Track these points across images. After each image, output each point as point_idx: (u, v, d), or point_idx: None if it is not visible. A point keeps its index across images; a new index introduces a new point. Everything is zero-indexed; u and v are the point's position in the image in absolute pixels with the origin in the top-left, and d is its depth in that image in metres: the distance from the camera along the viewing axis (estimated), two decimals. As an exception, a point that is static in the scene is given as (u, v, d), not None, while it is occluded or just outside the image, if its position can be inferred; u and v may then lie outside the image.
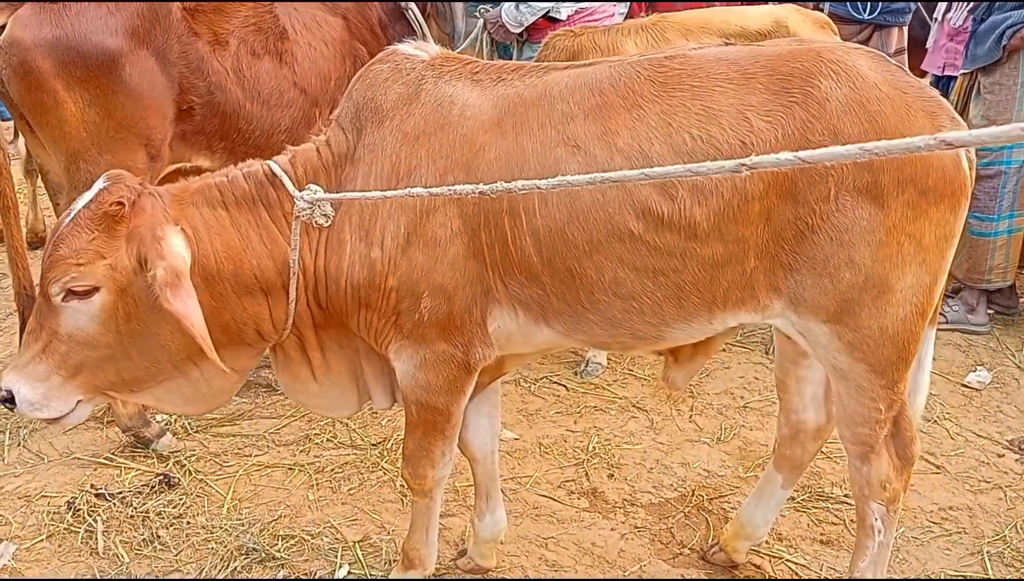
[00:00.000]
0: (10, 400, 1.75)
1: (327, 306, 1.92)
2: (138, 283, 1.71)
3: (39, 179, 3.45)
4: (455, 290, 1.84)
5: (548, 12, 3.41)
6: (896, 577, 2.40)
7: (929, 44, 4.08)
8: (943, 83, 3.96)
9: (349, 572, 2.41)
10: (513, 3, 3.44)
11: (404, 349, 1.94)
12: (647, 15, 3.56)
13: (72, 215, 1.72)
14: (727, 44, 1.88)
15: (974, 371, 3.43)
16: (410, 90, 1.83)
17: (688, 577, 2.41)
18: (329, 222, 1.80)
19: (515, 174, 1.76)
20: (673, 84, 1.72)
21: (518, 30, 3.51)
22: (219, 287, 1.81)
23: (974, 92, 3.65)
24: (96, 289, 1.70)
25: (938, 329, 3.63)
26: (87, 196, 1.74)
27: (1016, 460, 2.93)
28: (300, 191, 1.79)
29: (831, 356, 1.85)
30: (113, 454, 3.01)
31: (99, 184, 1.76)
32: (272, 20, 2.81)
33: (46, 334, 1.74)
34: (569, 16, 3.41)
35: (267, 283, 1.86)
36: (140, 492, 2.76)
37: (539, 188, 1.18)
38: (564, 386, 3.41)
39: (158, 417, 3.18)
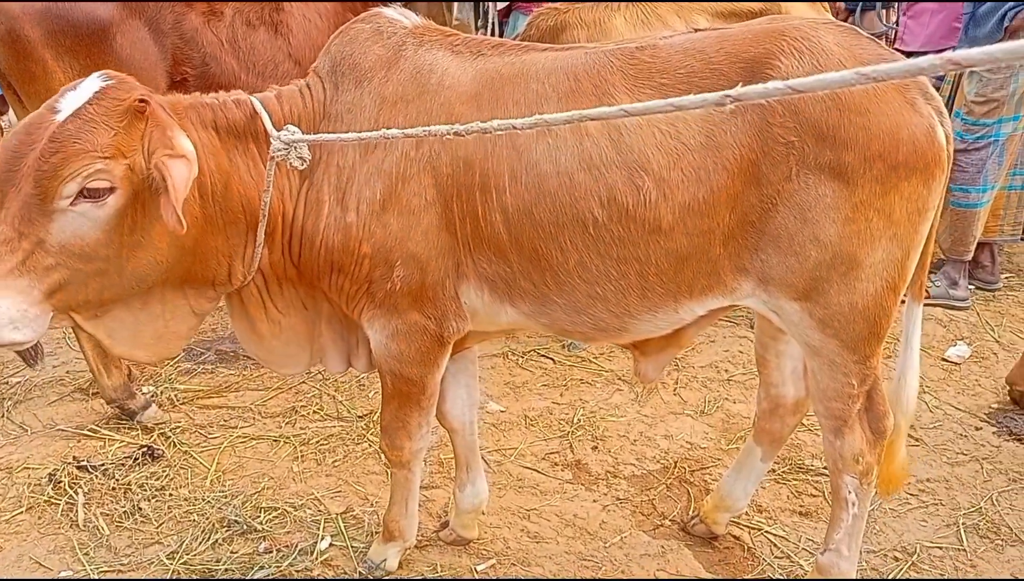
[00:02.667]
0: None
1: (300, 264, 1.90)
2: (146, 189, 1.60)
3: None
4: (428, 260, 1.84)
5: None
6: (873, 549, 2.43)
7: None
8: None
9: (331, 544, 2.43)
10: None
11: (376, 318, 1.94)
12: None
13: (72, 111, 1.55)
14: (696, 31, 1.85)
15: (954, 346, 3.46)
16: (390, 54, 1.81)
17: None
18: (305, 165, 1.75)
19: (487, 148, 1.76)
20: (643, 79, 1.71)
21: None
22: (210, 209, 1.75)
23: (962, 76, 3.63)
24: (112, 190, 1.56)
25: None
26: (83, 92, 1.59)
27: (993, 433, 2.96)
28: (279, 131, 1.74)
29: (803, 333, 1.85)
30: (97, 426, 3.01)
31: (96, 81, 1.61)
32: None
33: (28, 244, 1.54)
34: None
35: (251, 216, 1.80)
36: (123, 464, 2.77)
37: (515, 128, 1.16)
38: (551, 359, 3.42)
39: (145, 388, 3.18)
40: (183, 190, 1.54)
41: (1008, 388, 3.10)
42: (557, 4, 3.07)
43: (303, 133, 1.75)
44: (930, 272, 3.73)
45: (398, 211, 1.80)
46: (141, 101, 1.60)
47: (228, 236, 1.81)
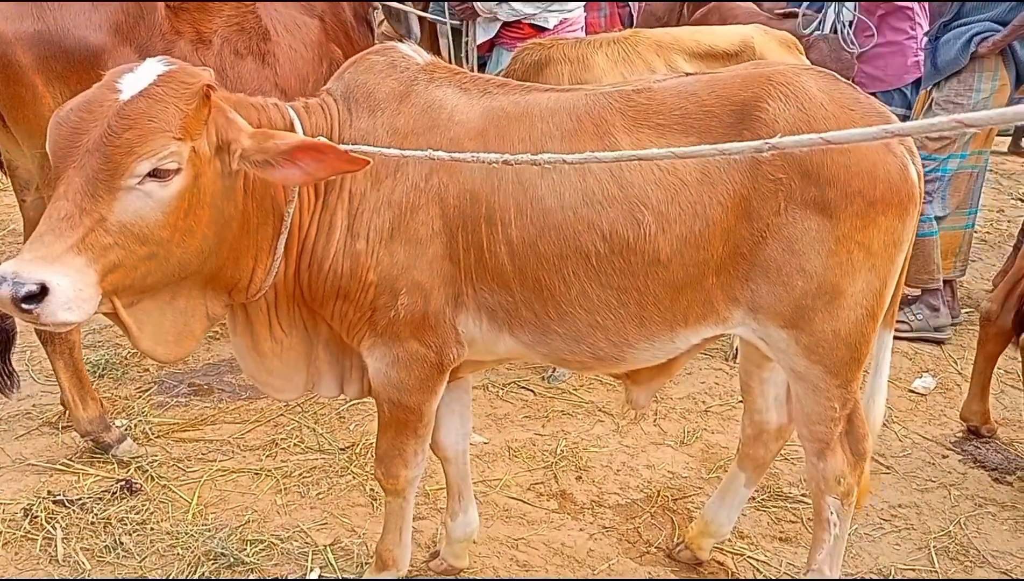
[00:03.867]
0: (36, 297, 1.44)
1: (305, 286, 1.91)
2: (208, 173, 1.62)
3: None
4: (432, 289, 1.88)
5: (533, 20, 3.43)
6: (850, 572, 2.50)
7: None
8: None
9: (320, 576, 2.40)
10: (496, 3, 3.42)
11: (377, 346, 1.96)
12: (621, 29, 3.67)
13: (139, 90, 1.55)
14: (687, 75, 1.97)
15: (920, 378, 3.61)
16: (402, 88, 1.87)
17: (657, 578, 2.47)
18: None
19: (494, 182, 1.82)
20: (641, 119, 1.81)
21: (487, 16, 3.48)
22: (249, 206, 1.75)
23: (925, 108, 3.85)
24: (178, 171, 1.56)
25: (903, 338, 3.82)
26: (144, 74, 1.59)
27: (959, 461, 3.09)
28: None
29: (790, 359, 1.94)
30: (70, 460, 2.93)
31: (157, 64, 1.62)
32: (255, 21, 2.81)
33: (89, 221, 1.50)
34: (556, 26, 3.44)
35: (277, 223, 1.80)
36: (101, 498, 2.70)
37: (565, 162, 1.23)
38: (532, 391, 3.46)
39: (117, 422, 3.11)
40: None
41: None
42: (541, 40, 3.17)
43: None
44: (909, 305, 3.91)
45: (405, 240, 1.84)
46: (209, 86, 1.62)
47: (258, 238, 1.81)
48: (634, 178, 1.76)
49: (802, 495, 2.86)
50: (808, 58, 3.23)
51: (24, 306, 1.43)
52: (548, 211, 1.78)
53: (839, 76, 1.95)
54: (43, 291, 1.45)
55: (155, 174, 1.54)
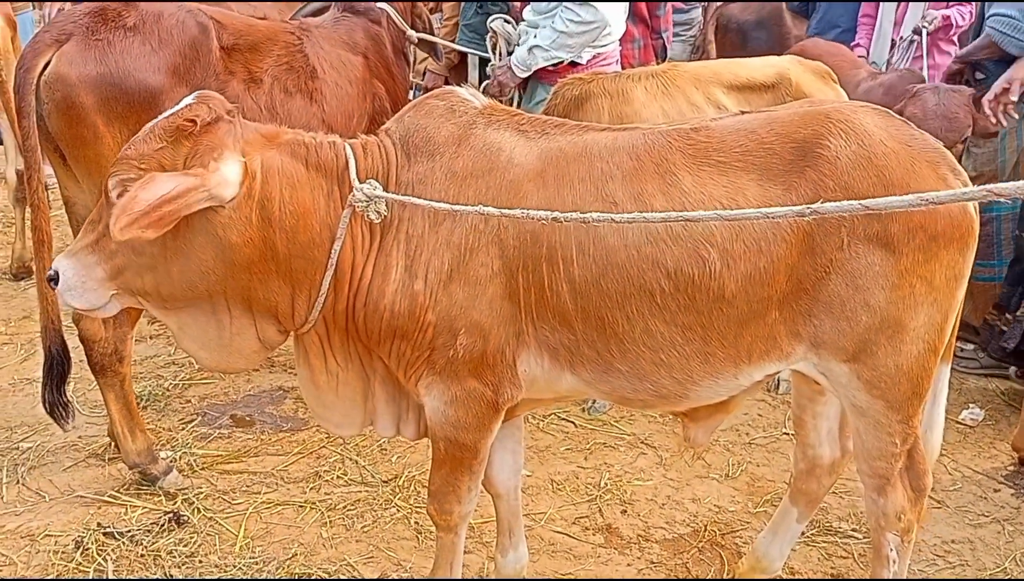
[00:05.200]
0: (54, 280, 1.82)
1: (361, 325, 1.94)
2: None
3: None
4: (491, 329, 1.89)
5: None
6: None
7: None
8: None
9: (370, 610, 2.39)
10: (526, 49, 3.47)
11: (435, 385, 1.97)
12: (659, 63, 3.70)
13: (152, 123, 1.80)
14: (743, 113, 1.99)
15: (967, 408, 3.55)
16: (461, 131, 1.89)
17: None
18: (379, 219, 1.82)
19: (555, 223, 1.83)
20: (701, 157, 1.82)
21: (525, 74, 3.56)
22: (272, 236, 1.82)
23: (966, 147, 3.81)
24: None
25: (972, 373, 3.75)
26: (174, 108, 1.81)
27: (1012, 495, 3.03)
28: (362, 182, 1.82)
29: (851, 394, 1.93)
30: (117, 492, 2.96)
31: (187, 99, 1.82)
32: (303, 60, 2.89)
33: (101, 228, 1.78)
34: (589, 60, 3.47)
35: (321, 258, 1.86)
36: (149, 530, 2.72)
37: (614, 221, 1.25)
38: (572, 423, 3.45)
39: (162, 453, 3.14)
40: (144, 202, 1.66)
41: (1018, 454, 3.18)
42: (582, 75, 3.20)
43: (383, 189, 1.82)
44: (967, 340, 3.83)
45: (464, 281, 1.85)
46: (189, 121, 1.75)
47: (292, 270, 1.86)
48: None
49: (852, 530, 2.81)
50: (905, 112, 3.09)
51: (51, 285, 1.82)
52: (611, 249, 1.79)
53: (892, 112, 1.96)
54: (58, 276, 1.81)
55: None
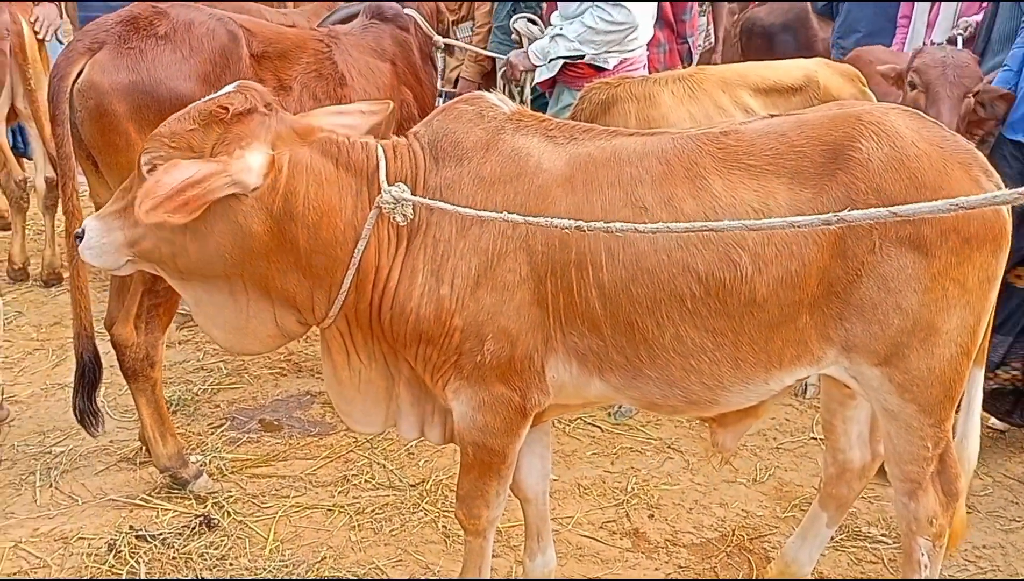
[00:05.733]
0: (81, 237, 1.91)
1: (387, 327, 1.95)
2: None
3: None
4: (519, 335, 1.89)
5: (594, 60, 3.47)
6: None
7: None
8: None
9: (400, 613, 2.41)
10: (548, 38, 3.44)
11: (463, 390, 1.97)
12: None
13: (191, 105, 1.86)
14: (772, 116, 1.98)
15: (997, 412, 3.50)
16: (489, 137, 1.90)
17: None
18: (405, 221, 1.84)
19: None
20: (732, 161, 1.81)
21: (540, 62, 3.50)
22: (293, 229, 1.85)
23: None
24: None
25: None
26: (213, 95, 1.87)
27: (1045, 500, 2.99)
28: (391, 185, 1.84)
29: (882, 398, 1.92)
30: (148, 495, 3.00)
31: (228, 88, 1.88)
32: (332, 67, 2.92)
33: (130, 198, 1.83)
34: (616, 65, 3.48)
35: (343, 256, 1.88)
36: (181, 533, 2.76)
37: (638, 231, 1.25)
38: (598, 427, 3.45)
39: (192, 457, 3.18)
40: (167, 186, 1.70)
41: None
42: (608, 79, 3.20)
43: (410, 192, 1.84)
44: None
45: (492, 286, 1.85)
46: (221, 108, 1.79)
47: (312, 265, 1.89)
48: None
49: (882, 535, 2.79)
50: (913, 66, 3.00)
51: (77, 242, 1.93)
52: (641, 254, 1.79)
53: (923, 114, 1.95)
54: (83, 234, 1.90)
55: (155, 170, 1.78)
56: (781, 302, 1.78)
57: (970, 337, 1.87)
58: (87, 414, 2.78)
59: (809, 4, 5.43)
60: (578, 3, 3.39)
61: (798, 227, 1.14)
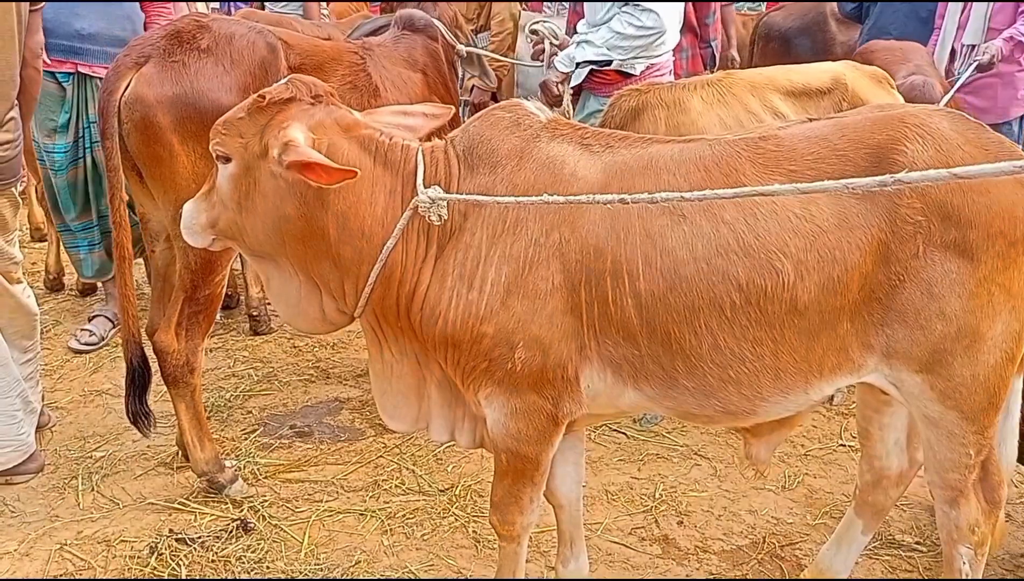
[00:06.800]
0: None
1: (417, 328, 1.98)
2: (259, 169, 1.91)
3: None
4: (550, 343, 1.89)
5: (620, 67, 3.47)
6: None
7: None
8: None
9: (435, 617, 2.43)
10: (574, 44, 3.43)
11: (495, 397, 1.98)
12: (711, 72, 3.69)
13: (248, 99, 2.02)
14: (811, 120, 1.96)
15: (1032, 419, 3.46)
16: (525, 144, 1.91)
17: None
18: (440, 222, 1.88)
19: (620, 235, 1.83)
20: (772, 166, 1.80)
21: (567, 69, 3.48)
22: (324, 217, 1.93)
23: None
24: (230, 158, 1.95)
25: None
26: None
27: (1083, 509, 2.95)
28: (427, 187, 1.88)
29: (923, 405, 1.90)
30: (186, 499, 3.05)
31: (282, 81, 2.01)
32: (366, 79, 2.97)
33: (211, 182, 2.03)
34: (642, 71, 3.48)
35: (370, 250, 1.94)
36: (219, 537, 2.80)
37: (683, 198, 1.27)
38: (624, 434, 3.46)
39: (227, 462, 3.23)
40: (313, 152, 1.82)
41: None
42: (638, 85, 3.20)
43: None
44: None
45: (523, 295, 1.86)
46: (260, 97, 1.93)
47: (340, 256, 1.96)
48: (771, 226, 1.76)
49: (916, 543, 2.77)
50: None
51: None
52: (679, 263, 1.78)
53: (968, 116, 1.93)
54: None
55: (219, 156, 1.96)
56: (822, 309, 1.77)
57: (1015, 343, 1.85)
58: (140, 416, 2.85)
59: (828, 7, 5.37)
60: (606, 11, 3.40)
61: (852, 188, 1.14)
